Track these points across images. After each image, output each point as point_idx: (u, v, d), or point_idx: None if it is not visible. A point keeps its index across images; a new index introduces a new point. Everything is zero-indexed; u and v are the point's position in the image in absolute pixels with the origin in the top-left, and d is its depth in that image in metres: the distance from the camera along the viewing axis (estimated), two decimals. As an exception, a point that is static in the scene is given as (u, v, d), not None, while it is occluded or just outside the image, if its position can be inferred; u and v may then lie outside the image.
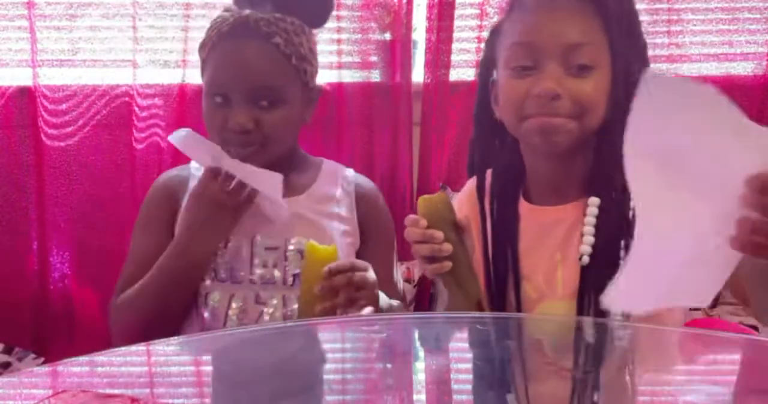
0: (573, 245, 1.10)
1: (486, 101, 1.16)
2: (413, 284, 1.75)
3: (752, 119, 1.66)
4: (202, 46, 1.28)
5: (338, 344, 1.01)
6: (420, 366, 0.91)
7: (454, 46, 1.78)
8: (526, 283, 1.13)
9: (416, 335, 1.03)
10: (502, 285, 1.13)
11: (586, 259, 1.08)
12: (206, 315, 1.24)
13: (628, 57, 1.08)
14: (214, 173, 1.20)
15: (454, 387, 0.83)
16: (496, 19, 1.79)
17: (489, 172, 1.19)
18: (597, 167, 1.10)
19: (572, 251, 1.10)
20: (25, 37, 1.72)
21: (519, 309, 1.12)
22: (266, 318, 1.23)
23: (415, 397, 0.78)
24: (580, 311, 1.08)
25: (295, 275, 1.25)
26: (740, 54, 1.78)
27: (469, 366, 0.93)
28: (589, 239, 1.08)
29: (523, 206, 1.15)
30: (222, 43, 1.23)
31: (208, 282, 1.24)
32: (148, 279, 1.22)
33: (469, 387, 0.84)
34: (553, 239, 1.12)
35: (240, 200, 1.20)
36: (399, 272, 1.43)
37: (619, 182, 1.06)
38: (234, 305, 1.23)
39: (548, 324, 1.08)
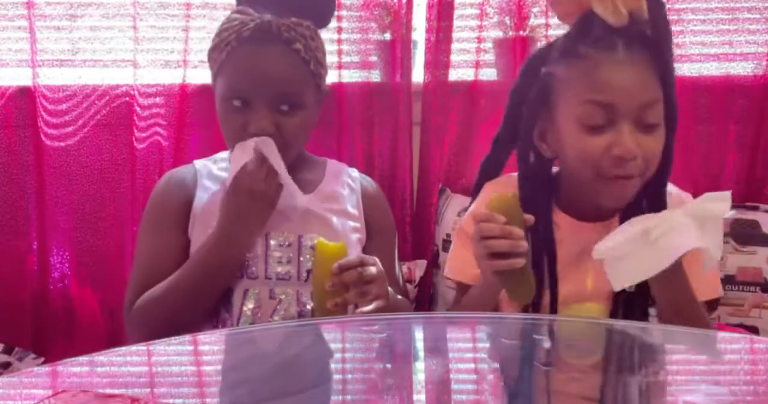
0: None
1: (531, 138, 1.18)
2: (414, 285, 1.75)
3: (752, 118, 1.68)
4: (217, 49, 1.26)
5: (338, 344, 1.01)
6: (420, 366, 0.91)
7: (454, 46, 1.78)
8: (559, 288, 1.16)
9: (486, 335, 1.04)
10: (538, 288, 1.14)
11: None
12: (221, 311, 1.24)
13: (675, 105, 1.12)
14: (261, 160, 1.20)
15: (454, 387, 0.83)
16: (496, 19, 1.79)
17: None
18: (639, 197, 1.15)
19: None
20: (25, 37, 1.72)
21: (553, 312, 1.15)
22: (281, 313, 1.24)
23: (415, 397, 0.78)
24: (614, 312, 1.14)
25: (308, 271, 1.26)
26: (740, 54, 1.78)
27: (470, 366, 0.93)
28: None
29: (563, 219, 1.19)
30: (243, 48, 1.23)
31: None
32: (180, 276, 1.21)
33: (470, 387, 0.84)
34: (588, 250, 1.15)
35: (274, 187, 1.21)
36: (401, 269, 1.44)
37: (655, 208, 1.14)
38: (248, 300, 1.24)
39: (574, 325, 1.10)
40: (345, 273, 1.11)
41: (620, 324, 1.07)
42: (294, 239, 1.26)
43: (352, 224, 1.33)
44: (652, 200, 1.15)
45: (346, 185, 1.37)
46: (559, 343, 1.01)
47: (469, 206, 1.31)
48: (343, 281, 1.11)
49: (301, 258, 1.26)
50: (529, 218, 1.08)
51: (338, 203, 1.33)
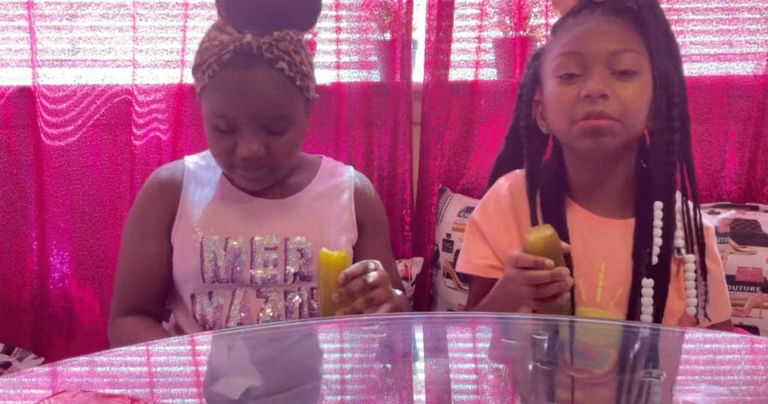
0: (618, 259, 1.15)
1: (530, 116, 1.21)
2: (411, 282, 1.75)
3: (752, 118, 1.67)
4: (199, 69, 1.21)
5: (338, 344, 1.01)
6: (420, 366, 0.91)
7: (454, 46, 1.78)
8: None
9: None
10: None
11: (655, 259, 1.13)
12: (209, 311, 1.24)
13: (667, 66, 1.13)
14: None
15: (454, 387, 0.83)
16: (496, 19, 1.79)
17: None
18: (652, 174, 1.15)
19: (616, 265, 1.15)
20: (25, 37, 1.72)
21: (572, 305, 1.14)
22: (268, 310, 1.24)
23: (415, 397, 0.78)
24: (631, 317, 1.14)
25: (295, 274, 1.25)
26: (740, 54, 1.79)
27: (470, 366, 0.93)
28: (658, 241, 1.13)
29: (577, 210, 1.19)
30: (224, 72, 1.17)
31: (210, 283, 1.25)
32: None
33: (470, 387, 0.84)
34: (600, 247, 1.16)
35: None
36: (395, 264, 1.44)
37: (670, 188, 1.14)
38: (236, 300, 1.24)
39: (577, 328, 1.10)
40: (351, 282, 1.10)
41: (620, 324, 1.07)
42: (280, 242, 1.26)
43: (341, 224, 1.32)
44: (659, 160, 1.14)
45: (338, 183, 1.35)
46: (560, 343, 1.01)
47: (481, 196, 1.31)
48: (350, 291, 1.10)
49: (288, 262, 1.26)
50: (567, 247, 1.08)
51: (327, 203, 1.32)
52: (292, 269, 1.25)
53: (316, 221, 1.29)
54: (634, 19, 1.13)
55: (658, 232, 1.13)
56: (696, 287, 1.15)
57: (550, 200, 1.18)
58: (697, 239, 1.16)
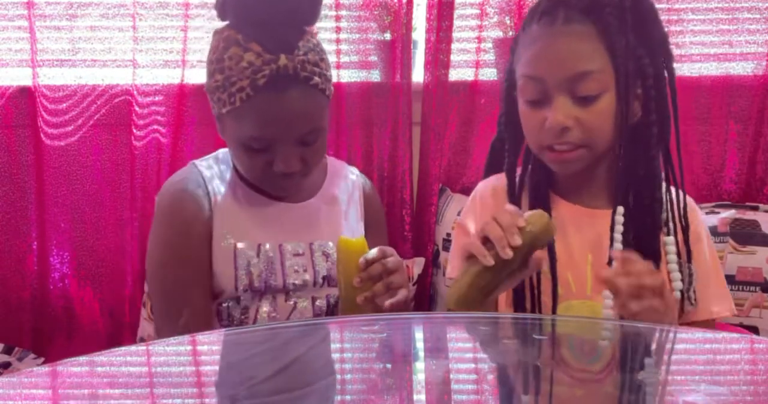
0: (603, 250, 1.14)
1: (512, 111, 1.18)
2: (413, 283, 1.75)
3: (752, 118, 1.66)
4: (223, 90, 1.16)
5: (338, 344, 1.01)
6: (420, 366, 0.91)
7: (454, 46, 1.78)
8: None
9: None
10: (537, 280, 1.14)
11: (614, 264, 1.10)
12: (236, 315, 1.24)
13: (640, 60, 1.10)
14: None
15: (454, 387, 0.83)
16: (496, 19, 1.79)
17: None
18: (621, 178, 1.14)
19: (602, 256, 1.14)
20: (25, 37, 1.72)
21: (554, 299, 1.13)
22: (297, 314, 1.25)
23: (415, 397, 0.78)
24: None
25: (324, 277, 1.27)
26: (740, 54, 1.79)
27: (470, 366, 0.93)
28: (618, 246, 1.12)
29: (562, 205, 1.18)
30: (260, 96, 1.14)
31: (242, 292, 1.24)
32: None
33: (470, 387, 0.84)
34: (586, 239, 1.15)
35: None
36: None
37: (644, 192, 1.12)
38: (264, 303, 1.24)
39: (570, 324, 1.09)
40: (371, 267, 1.12)
41: (620, 323, 1.07)
42: (305, 248, 1.27)
43: (353, 223, 1.34)
44: (630, 165, 1.12)
45: (348, 183, 1.37)
46: (560, 342, 1.01)
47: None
48: (370, 275, 1.12)
49: (316, 266, 1.26)
50: (540, 260, 1.02)
51: (341, 204, 1.33)
52: (321, 272, 1.26)
53: (335, 223, 1.30)
54: (598, 20, 1.08)
55: (618, 237, 1.11)
56: (680, 271, 1.13)
57: (534, 194, 1.18)
58: (680, 223, 1.15)
